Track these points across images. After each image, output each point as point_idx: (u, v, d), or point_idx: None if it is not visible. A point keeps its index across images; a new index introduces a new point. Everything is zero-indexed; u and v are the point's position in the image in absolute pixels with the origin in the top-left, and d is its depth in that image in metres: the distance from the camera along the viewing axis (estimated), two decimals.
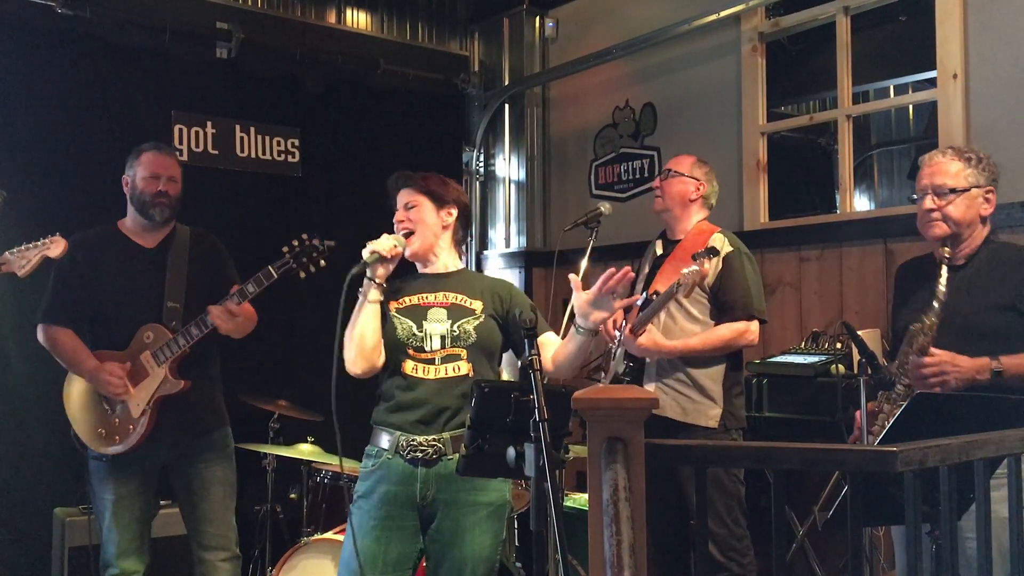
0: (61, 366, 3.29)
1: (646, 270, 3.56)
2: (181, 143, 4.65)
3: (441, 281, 2.75)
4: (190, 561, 3.36)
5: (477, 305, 2.70)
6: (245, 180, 4.86)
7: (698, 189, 3.49)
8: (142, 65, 4.54)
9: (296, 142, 5.03)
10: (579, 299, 2.51)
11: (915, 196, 2.76)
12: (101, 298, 3.23)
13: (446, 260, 2.79)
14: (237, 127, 4.85)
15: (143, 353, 3.19)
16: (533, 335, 2.14)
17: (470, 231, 5.82)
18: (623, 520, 1.59)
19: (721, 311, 3.31)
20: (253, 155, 4.90)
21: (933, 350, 2.57)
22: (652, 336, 3.25)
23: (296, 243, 3.14)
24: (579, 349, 2.58)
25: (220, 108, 4.79)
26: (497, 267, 5.84)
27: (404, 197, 2.77)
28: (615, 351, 3.49)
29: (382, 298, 2.67)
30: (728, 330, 3.27)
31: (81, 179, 4.31)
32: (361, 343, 2.60)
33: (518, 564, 3.72)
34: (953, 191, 2.65)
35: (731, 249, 3.34)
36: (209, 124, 4.76)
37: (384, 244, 2.64)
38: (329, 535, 3.57)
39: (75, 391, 3.28)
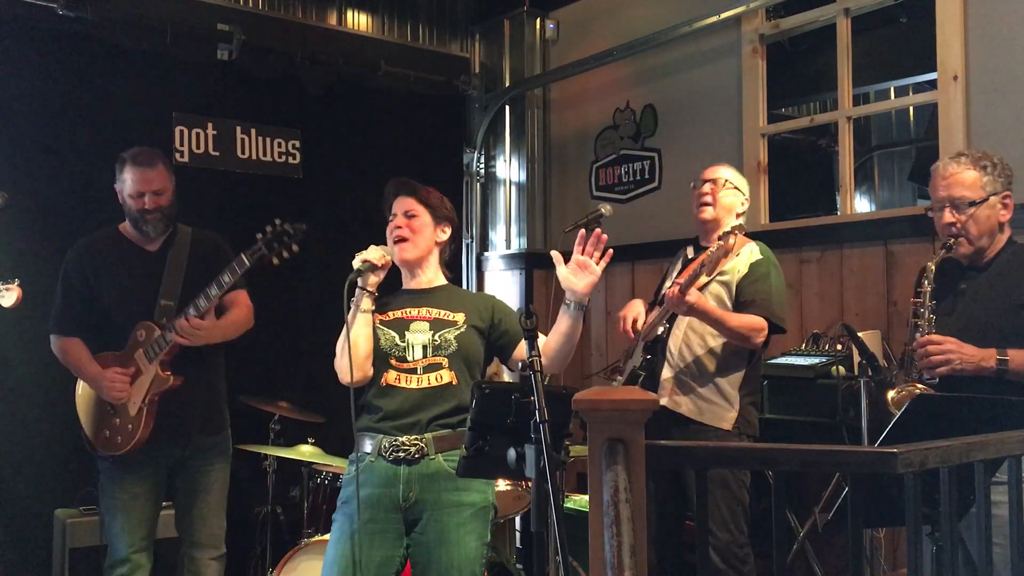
0: (64, 369, 3.31)
1: (677, 269, 3.52)
2: (182, 144, 4.66)
3: (424, 296, 2.78)
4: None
5: (459, 317, 2.72)
6: (246, 181, 4.86)
7: (743, 204, 3.46)
8: (143, 66, 4.55)
9: (297, 144, 5.04)
10: (563, 272, 2.53)
11: (930, 208, 2.73)
12: (103, 302, 3.26)
13: (431, 276, 2.83)
14: (238, 128, 4.86)
15: (136, 351, 3.21)
16: (533, 336, 2.14)
17: (471, 232, 5.88)
18: (623, 521, 1.59)
19: (740, 309, 3.27)
20: (254, 156, 4.91)
21: (938, 336, 2.58)
22: (698, 296, 3.16)
23: (269, 228, 3.08)
24: (570, 330, 2.58)
25: (221, 109, 4.80)
26: (498, 268, 5.84)
27: (404, 204, 2.79)
28: (634, 351, 3.49)
29: (374, 307, 2.70)
30: (757, 319, 3.21)
31: (82, 180, 4.31)
32: (354, 351, 2.60)
33: (518, 566, 3.72)
34: (972, 204, 2.62)
35: (760, 257, 3.33)
36: (210, 125, 4.76)
37: (374, 253, 2.67)
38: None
39: (83, 395, 3.34)
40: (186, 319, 3.11)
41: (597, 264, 2.51)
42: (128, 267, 3.29)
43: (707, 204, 3.41)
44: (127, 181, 3.26)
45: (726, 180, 3.43)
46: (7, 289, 2.89)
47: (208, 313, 3.17)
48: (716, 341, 3.30)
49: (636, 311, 3.51)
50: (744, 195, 3.47)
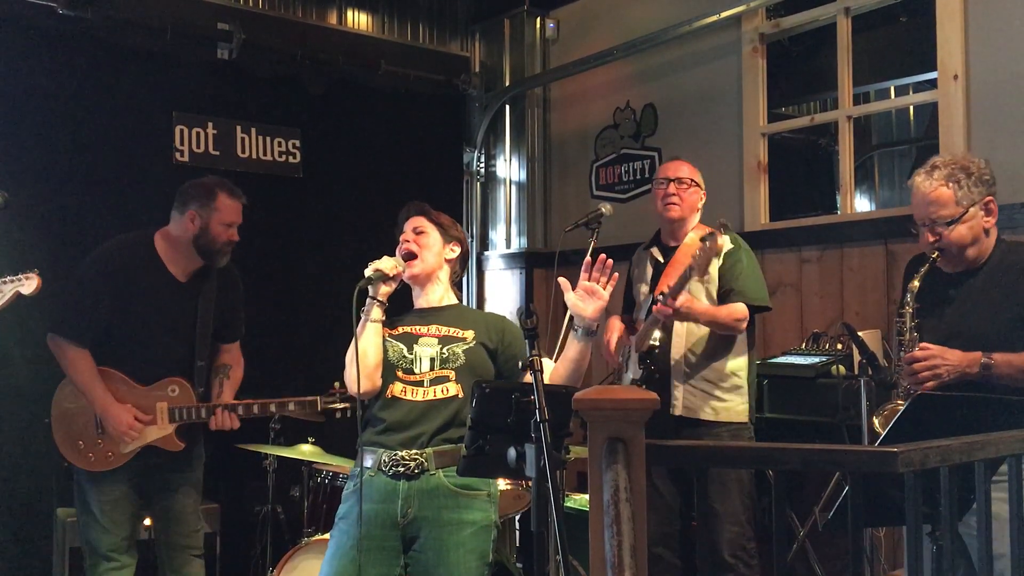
0: (63, 369, 3.28)
1: (649, 273, 3.56)
2: (182, 144, 4.66)
3: (433, 314, 2.76)
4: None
5: (468, 334, 2.70)
6: (246, 181, 4.83)
7: (702, 198, 3.55)
8: (143, 66, 4.54)
9: (297, 143, 5.03)
10: (571, 298, 2.52)
11: (913, 227, 2.70)
12: (130, 327, 3.20)
13: (441, 294, 2.80)
14: (238, 128, 4.86)
15: (161, 402, 3.20)
16: (534, 336, 2.13)
17: (471, 231, 5.88)
18: (624, 521, 1.59)
19: (720, 301, 3.36)
20: (254, 156, 4.90)
21: (923, 344, 2.55)
22: (687, 299, 3.21)
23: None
24: (579, 356, 2.55)
25: (221, 109, 4.80)
26: (498, 268, 5.84)
27: (414, 223, 2.80)
28: (626, 363, 3.51)
29: (384, 317, 2.68)
30: (739, 307, 3.30)
31: (82, 180, 4.32)
32: (363, 361, 2.58)
33: (519, 565, 3.72)
34: (951, 222, 2.56)
35: (731, 246, 3.36)
36: (210, 125, 4.76)
37: (386, 263, 2.67)
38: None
39: (70, 401, 3.25)
40: (231, 417, 3.23)
41: (604, 288, 2.50)
42: (160, 298, 3.22)
43: (675, 204, 3.48)
44: (219, 211, 3.23)
45: (691, 179, 3.51)
46: (27, 278, 2.91)
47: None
48: (716, 338, 3.35)
49: (618, 331, 3.54)
50: (702, 190, 3.56)
